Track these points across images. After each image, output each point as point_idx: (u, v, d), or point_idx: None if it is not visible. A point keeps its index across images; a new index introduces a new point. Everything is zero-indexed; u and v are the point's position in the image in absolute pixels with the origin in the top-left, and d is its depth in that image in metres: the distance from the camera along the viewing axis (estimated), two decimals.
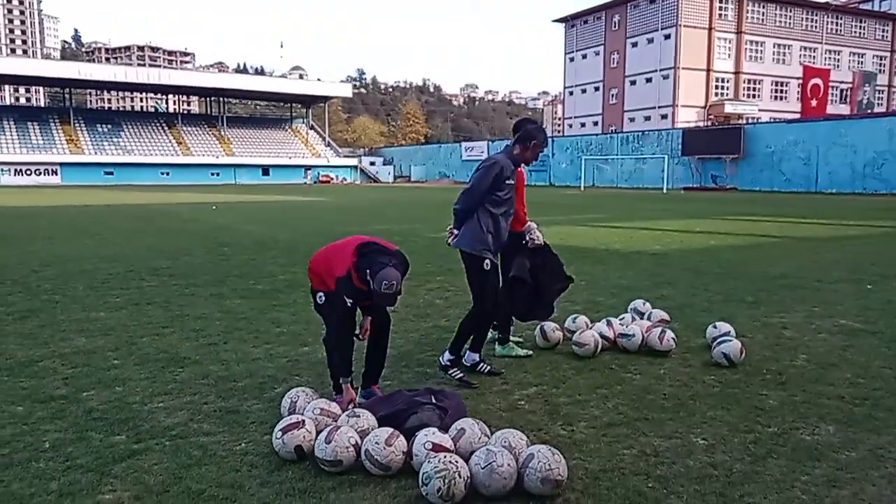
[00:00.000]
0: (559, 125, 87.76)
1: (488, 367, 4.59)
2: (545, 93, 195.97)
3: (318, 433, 3.21)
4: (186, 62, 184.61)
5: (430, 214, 20.98)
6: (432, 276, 8.66)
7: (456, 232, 4.62)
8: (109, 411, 3.87)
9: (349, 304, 3.64)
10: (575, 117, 71.11)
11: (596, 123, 67.06)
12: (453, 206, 4.55)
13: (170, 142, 71.80)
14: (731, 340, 4.82)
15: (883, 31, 67.04)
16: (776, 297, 7.15)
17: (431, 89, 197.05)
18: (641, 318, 5.64)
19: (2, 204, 27.53)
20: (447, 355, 4.50)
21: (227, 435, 3.53)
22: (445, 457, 2.86)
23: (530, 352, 5.14)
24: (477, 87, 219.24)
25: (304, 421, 3.26)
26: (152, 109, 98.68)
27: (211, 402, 4.01)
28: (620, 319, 5.49)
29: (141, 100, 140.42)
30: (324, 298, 3.86)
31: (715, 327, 5.19)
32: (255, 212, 22.55)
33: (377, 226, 16.43)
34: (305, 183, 69.66)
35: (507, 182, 4.42)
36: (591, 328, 5.25)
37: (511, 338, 5.22)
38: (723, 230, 15.17)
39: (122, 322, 6.08)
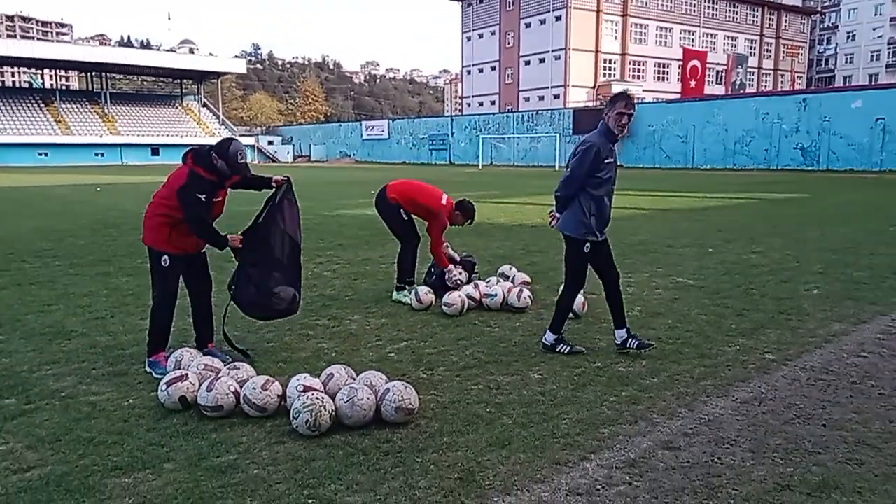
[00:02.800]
0: (459, 104, 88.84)
1: (568, 348, 4.59)
2: (446, 71, 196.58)
3: (200, 385, 3.60)
4: (63, 34, 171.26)
5: (326, 193, 21.13)
6: (322, 251, 9.04)
7: (558, 216, 4.61)
8: None
9: (203, 199, 4.06)
10: (473, 96, 72.27)
11: (493, 103, 68.49)
12: (554, 193, 4.55)
13: (47, 120, 66.89)
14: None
15: (754, 16, 72.12)
16: (629, 261, 8.06)
17: (331, 66, 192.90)
18: (506, 281, 6.32)
19: None
20: (549, 335, 4.61)
21: (116, 393, 3.86)
22: (313, 394, 3.34)
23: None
24: (378, 65, 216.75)
25: (187, 374, 3.65)
26: (26, 85, 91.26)
27: (99, 368, 4.29)
28: (487, 282, 6.14)
29: (13, 74, 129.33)
30: (168, 261, 4.14)
31: None
32: (144, 193, 21.80)
33: None
34: None
35: (606, 161, 4.36)
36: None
37: (407, 288, 6.04)
38: None
39: (4, 302, 6.11)
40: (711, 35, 68.52)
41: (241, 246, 4.28)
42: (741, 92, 58.16)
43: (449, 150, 58.48)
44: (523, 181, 28.53)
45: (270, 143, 77.60)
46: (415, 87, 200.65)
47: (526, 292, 5.78)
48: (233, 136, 4.23)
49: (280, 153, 75.52)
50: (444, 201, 6.12)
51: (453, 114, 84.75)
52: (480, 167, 47.77)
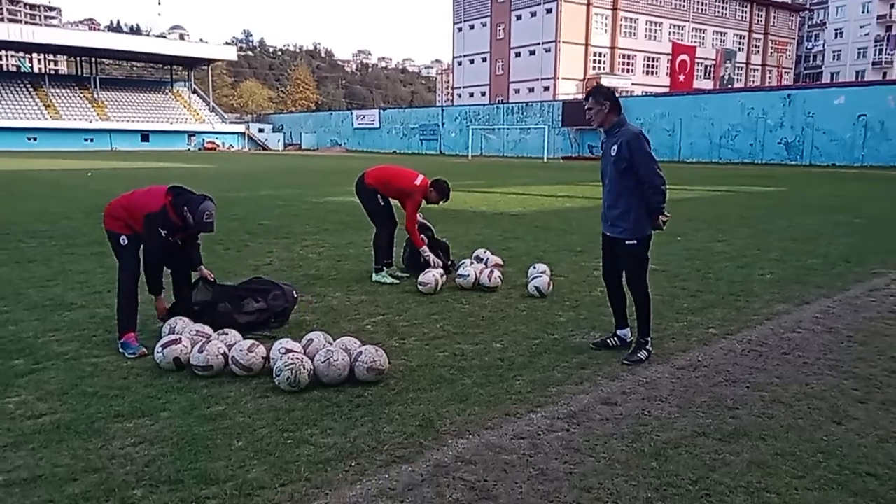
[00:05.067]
0: (450, 95, 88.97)
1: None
2: (438, 61, 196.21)
3: (192, 347, 4.00)
4: (52, 17, 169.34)
5: (315, 181, 21.47)
6: (308, 235, 9.42)
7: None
8: (6, 344, 4.46)
9: (163, 234, 4.33)
10: (464, 87, 72.49)
11: (483, 94, 68.76)
12: (662, 189, 4.19)
13: (36, 105, 66.63)
14: (542, 276, 5.99)
15: (743, 12, 72.72)
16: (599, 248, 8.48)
17: (323, 54, 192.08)
18: (480, 263, 6.73)
19: None
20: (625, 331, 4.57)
21: (115, 356, 4.25)
22: (294, 354, 3.75)
23: (396, 280, 6.40)
24: (370, 54, 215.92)
25: (181, 338, 4.04)
26: (14, 69, 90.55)
27: (99, 335, 4.68)
28: (461, 264, 6.55)
29: (0, 58, 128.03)
30: (126, 241, 4.38)
31: (534, 268, 6.35)
32: (135, 179, 22.08)
33: (263, 191, 16.82)
34: (189, 149, 67.03)
35: (602, 155, 4.42)
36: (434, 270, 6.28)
37: (390, 270, 6.50)
38: (581, 195, 16.80)
39: (4, 277, 6.47)
40: (700, 30, 69.03)
41: (162, 316, 4.48)
42: (729, 87, 58.75)
43: (439, 141, 58.78)
44: (510, 171, 28.93)
45: (261, 130, 77.54)
46: (407, 77, 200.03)
47: (496, 273, 6.20)
48: (208, 197, 4.36)
49: (270, 141, 75.51)
50: (417, 182, 6.44)
51: (444, 104, 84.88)
52: (470, 158, 48.13)
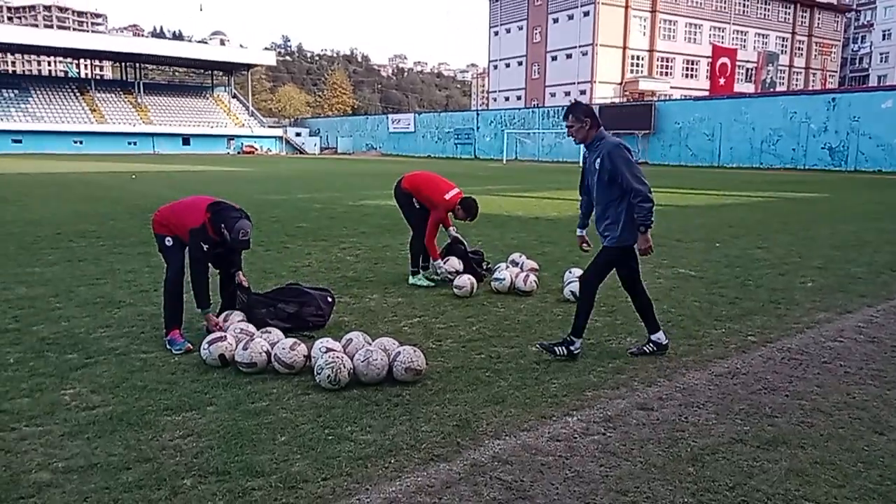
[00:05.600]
0: (485, 98, 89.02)
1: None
2: (474, 65, 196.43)
3: (237, 345, 4.13)
4: (98, 24, 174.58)
5: (351, 185, 21.72)
6: (346, 238, 9.57)
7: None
8: (60, 339, 4.66)
9: (205, 249, 4.51)
10: (499, 91, 72.44)
11: (519, 98, 68.61)
12: (649, 196, 4.21)
13: (82, 109, 68.69)
14: (578, 281, 5.98)
15: (786, 13, 71.20)
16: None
17: (359, 59, 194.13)
18: (515, 267, 6.77)
19: None
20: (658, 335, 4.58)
21: (163, 353, 4.41)
22: (334, 353, 3.85)
23: (432, 283, 6.49)
24: (406, 58, 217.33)
25: (226, 335, 4.18)
26: (62, 74, 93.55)
27: (147, 332, 4.86)
28: (496, 268, 6.59)
29: (49, 63, 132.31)
30: (171, 242, 4.61)
31: (570, 272, 6.35)
32: (177, 182, 22.65)
33: (300, 195, 17.10)
34: (228, 153, 68.33)
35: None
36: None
37: (422, 272, 6.60)
38: None
39: (57, 275, 6.73)
40: (742, 32, 67.79)
41: (213, 329, 4.52)
42: (771, 90, 57.59)
43: (474, 145, 58.84)
44: (545, 176, 28.84)
45: (298, 134, 78.65)
46: (442, 81, 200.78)
47: (532, 277, 6.23)
48: (244, 214, 4.51)
49: (307, 145, 76.53)
50: (447, 196, 6.41)
51: (479, 108, 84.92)
52: (505, 162, 48.08)
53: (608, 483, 2.83)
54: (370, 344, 4.17)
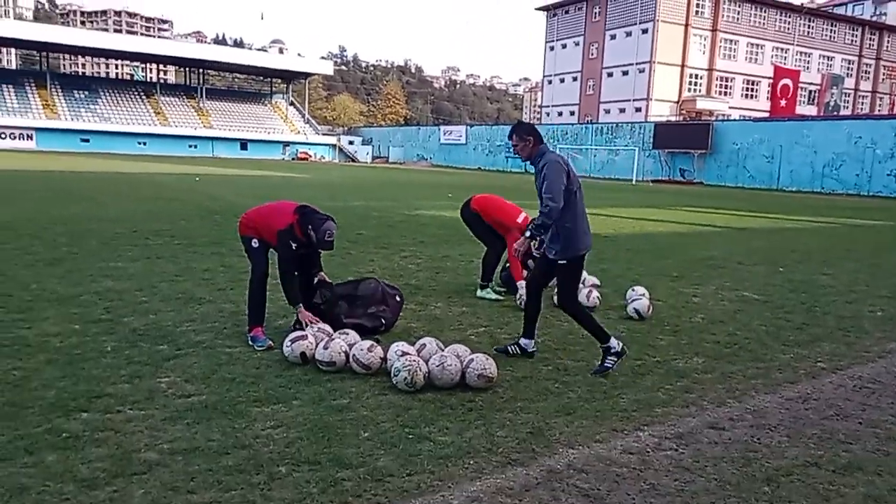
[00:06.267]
0: (538, 113, 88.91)
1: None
2: (526, 79, 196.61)
3: (317, 344, 4.33)
4: (164, 30, 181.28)
5: (404, 194, 22.04)
6: (406, 246, 9.78)
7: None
8: (150, 330, 4.95)
9: (293, 248, 4.75)
10: (553, 106, 72.32)
11: (573, 113, 68.35)
12: (545, 212, 4.40)
13: (147, 111, 71.42)
14: (642, 299, 6.04)
15: (853, 35, 69.20)
16: (697, 274, 8.42)
17: (413, 70, 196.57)
18: None
19: None
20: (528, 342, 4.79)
21: (246, 348, 4.65)
22: (410, 357, 4.01)
23: (500, 297, 6.61)
24: (458, 71, 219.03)
25: (307, 335, 4.38)
26: (129, 77, 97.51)
27: (229, 328, 5.12)
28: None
29: (116, 66, 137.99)
30: (257, 244, 4.88)
31: (633, 290, 6.40)
32: (238, 185, 23.38)
33: (356, 202, 17.47)
34: (284, 159, 69.97)
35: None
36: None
37: (491, 285, 6.73)
38: (673, 219, 16.52)
39: (139, 271, 7.11)
40: (806, 54, 66.18)
41: (307, 322, 4.75)
42: (834, 114, 55.97)
43: None
44: (598, 193, 28.66)
45: (351, 143, 79.98)
46: (494, 94, 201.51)
47: (595, 293, 6.30)
48: (330, 217, 4.75)
49: (360, 153, 77.75)
50: (519, 220, 6.61)
51: (532, 122, 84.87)
52: None
53: (684, 497, 2.89)
54: (443, 350, 4.31)
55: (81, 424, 3.32)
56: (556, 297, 6.33)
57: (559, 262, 4.55)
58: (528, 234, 4.65)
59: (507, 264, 7.05)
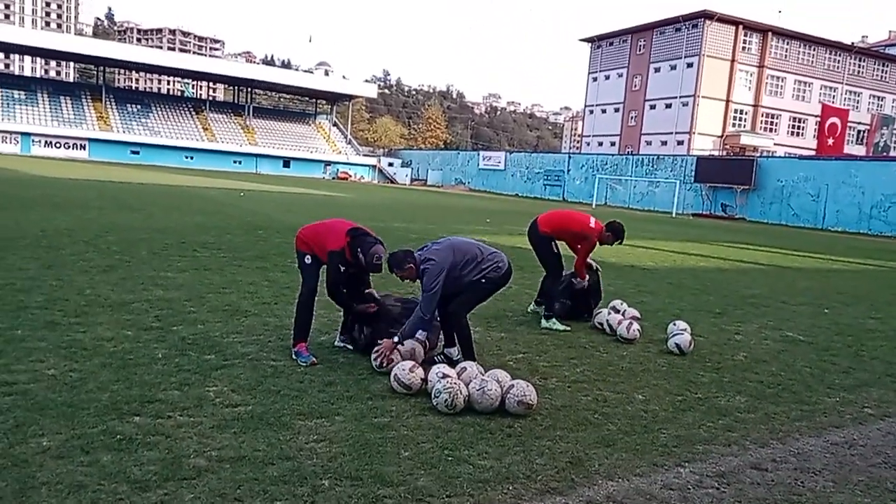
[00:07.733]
0: (577, 142, 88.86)
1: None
2: (567, 108, 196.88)
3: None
4: (216, 49, 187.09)
5: (443, 217, 22.19)
6: None
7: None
8: (198, 340, 5.10)
9: (341, 270, 4.87)
10: (593, 136, 72.15)
11: (613, 144, 68.07)
12: (420, 315, 4.82)
13: (196, 127, 73.49)
14: (683, 334, 5.99)
15: None
16: (739, 311, 8.29)
17: (454, 95, 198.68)
18: (616, 314, 6.81)
19: (44, 174, 29.00)
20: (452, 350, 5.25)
21: (290, 362, 4.75)
22: (451, 379, 4.06)
23: (568, 328, 6.56)
24: (499, 97, 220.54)
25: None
26: (179, 93, 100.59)
27: (273, 342, 5.24)
28: (597, 313, 6.67)
29: (168, 82, 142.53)
30: (310, 260, 4.98)
31: (674, 325, 6.34)
32: (281, 202, 23.85)
33: (396, 223, 17.66)
34: (324, 178, 71.06)
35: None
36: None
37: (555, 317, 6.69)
38: (715, 255, 16.28)
39: (188, 281, 7.32)
40: (855, 93, 64.94)
41: (370, 312, 5.05)
42: (884, 154, 54.70)
43: (563, 187, 58.68)
44: (637, 224, 28.40)
45: (391, 164, 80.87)
46: (534, 122, 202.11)
47: (635, 325, 6.26)
48: (379, 241, 4.82)
49: (399, 175, 78.53)
50: (592, 224, 6.73)
51: (571, 151, 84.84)
52: (594, 206, 47.68)
53: None
54: (483, 374, 4.35)
55: (134, 427, 3.44)
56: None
57: (481, 280, 5.05)
58: (395, 339, 4.74)
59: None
